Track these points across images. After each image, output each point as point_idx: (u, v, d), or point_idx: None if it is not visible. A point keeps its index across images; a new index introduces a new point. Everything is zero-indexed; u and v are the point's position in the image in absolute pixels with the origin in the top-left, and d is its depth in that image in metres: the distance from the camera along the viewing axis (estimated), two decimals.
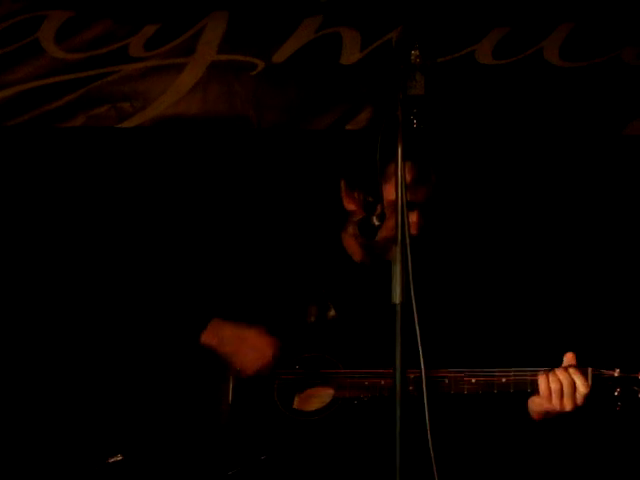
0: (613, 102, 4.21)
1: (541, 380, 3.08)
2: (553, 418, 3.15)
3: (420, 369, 2.51)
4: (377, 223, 2.82)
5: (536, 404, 3.15)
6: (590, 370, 3.08)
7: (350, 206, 3.31)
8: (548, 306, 4.14)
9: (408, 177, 2.72)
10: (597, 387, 3.07)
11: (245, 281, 3.32)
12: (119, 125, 4.13)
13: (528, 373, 3.11)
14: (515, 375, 3.11)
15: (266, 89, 4.16)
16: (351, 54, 4.16)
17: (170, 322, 3.25)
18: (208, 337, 3.23)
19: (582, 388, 3.05)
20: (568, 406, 3.06)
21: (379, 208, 2.80)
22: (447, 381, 3.10)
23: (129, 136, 4.13)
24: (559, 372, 3.07)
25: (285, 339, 3.22)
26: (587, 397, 3.06)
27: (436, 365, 3.03)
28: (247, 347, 3.20)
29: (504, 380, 3.11)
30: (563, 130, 4.24)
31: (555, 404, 3.06)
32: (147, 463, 3.20)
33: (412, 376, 2.85)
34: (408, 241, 2.53)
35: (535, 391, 3.10)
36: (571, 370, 3.07)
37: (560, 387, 3.05)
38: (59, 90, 4.07)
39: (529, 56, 4.18)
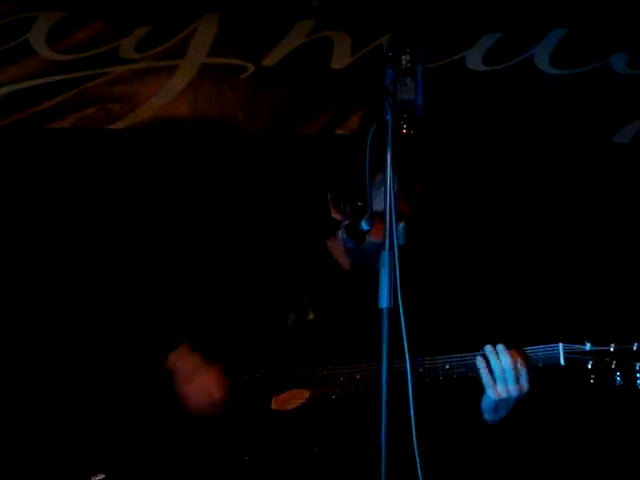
0: (602, 109, 4.23)
1: (480, 361, 3.08)
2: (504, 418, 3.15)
3: (401, 360, 2.52)
4: (365, 228, 2.83)
5: (484, 401, 3.13)
6: (561, 345, 3.09)
7: (336, 216, 3.32)
8: (518, 287, 4.19)
9: (397, 187, 2.73)
10: (569, 362, 3.07)
11: (226, 284, 3.32)
12: (109, 126, 4.13)
13: (469, 356, 3.12)
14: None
15: (256, 92, 4.16)
16: (342, 58, 4.17)
17: (147, 325, 3.26)
18: (169, 363, 3.24)
19: (524, 369, 3.04)
20: (513, 391, 3.05)
21: (367, 213, 2.80)
22: (422, 370, 3.11)
23: (119, 138, 4.13)
24: (500, 351, 3.06)
25: (262, 346, 3.23)
26: (530, 380, 3.05)
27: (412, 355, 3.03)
28: (194, 387, 3.20)
29: (447, 366, 3.12)
30: (552, 137, 4.26)
31: (500, 390, 3.06)
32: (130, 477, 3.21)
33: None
34: (396, 246, 2.54)
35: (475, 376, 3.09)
36: (512, 351, 3.06)
37: (501, 368, 3.04)
38: (49, 91, 4.07)
39: (519, 63, 4.20)
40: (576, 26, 4.17)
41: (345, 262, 3.34)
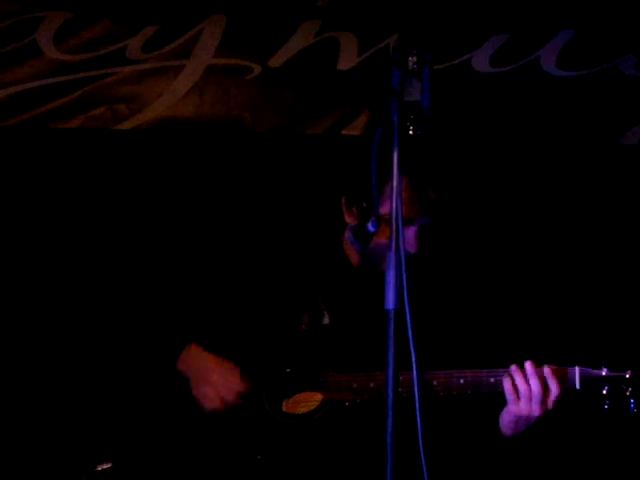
0: (609, 111, 4.22)
1: (507, 382, 3.06)
2: (523, 431, 3.13)
3: (410, 370, 2.51)
4: (372, 230, 2.82)
5: (505, 412, 3.12)
6: (578, 369, 3.08)
7: (350, 220, 3.31)
8: (536, 307, 4.17)
9: (405, 194, 2.73)
10: (585, 387, 3.07)
11: (240, 287, 3.32)
12: (115, 127, 4.13)
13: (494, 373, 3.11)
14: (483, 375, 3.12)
15: (262, 93, 4.16)
16: (348, 59, 4.16)
17: (148, 344, 3.25)
18: (180, 364, 3.24)
19: (555, 389, 3.03)
20: (537, 411, 3.04)
21: (373, 215, 2.80)
22: (436, 382, 3.10)
23: (125, 138, 4.13)
24: (530, 373, 3.04)
25: (275, 349, 3.23)
26: (558, 401, 3.04)
27: (425, 367, 3.03)
28: (210, 384, 3.20)
29: (462, 382, 3.11)
30: (559, 139, 4.25)
31: (523, 409, 3.05)
32: (137, 471, 3.20)
33: (401, 378, 2.85)
34: (402, 248, 2.53)
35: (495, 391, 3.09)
36: (546, 370, 3.05)
37: (529, 390, 3.03)
38: (56, 91, 4.07)
39: (526, 64, 4.19)
40: (583, 28, 4.17)
41: (358, 263, 3.33)
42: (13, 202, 4.09)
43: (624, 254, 4.25)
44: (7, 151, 4.08)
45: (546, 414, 3.06)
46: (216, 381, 3.20)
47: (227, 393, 3.19)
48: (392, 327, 2.52)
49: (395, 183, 2.57)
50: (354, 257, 3.34)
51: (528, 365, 3.06)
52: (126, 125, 4.13)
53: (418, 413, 2.51)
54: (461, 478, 3.31)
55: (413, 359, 2.52)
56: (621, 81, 4.20)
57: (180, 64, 4.12)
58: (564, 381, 3.05)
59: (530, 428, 3.12)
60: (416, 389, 2.52)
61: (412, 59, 2.61)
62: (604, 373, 3.09)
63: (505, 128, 4.24)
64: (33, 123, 4.07)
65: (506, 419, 3.13)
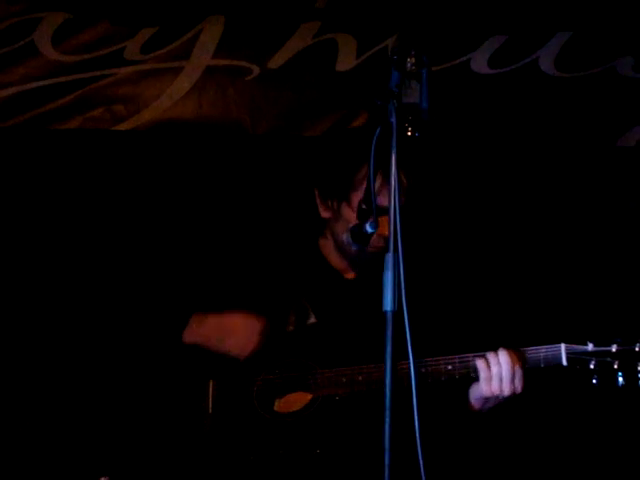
0: (607, 113, 4.23)
1: (480, 363, 3.10)
2: (490, 407, 3.19)
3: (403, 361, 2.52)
4: (370, 231, 2.83)
5: (474, 390, 3.17)
6: (563, 346, 3.09)
7: (325, 214, 3.33)
8: (522, 289, 4.20)
9: (378, 182, 2.76)
10: (571, 362, 3.08)
11: (226, 286, 3.32)
12: (114, 128, 4.13)
13: (470, 357, 3.14)
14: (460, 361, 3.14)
15: (261, 94, 4.16)
16: (347, 61, 4.16)
17: (150, 324, 3.26)
18: (191, 334, 3.24)
19: (518, 372, 3.08)
20: (506, 391, 3.09)
21: (371, 216, 2.80)
22: (424, 370, 3.12)
23: (124, 139, 4.13)
24: (501, 354, 3.09)
25: (263, 351, 3.23)
26: (523, 383, 3.09)
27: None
28: (235, 329, 3.21)
29: (450, 367, 3.13)
30: (557, 140, 4.26)
31: (494, 389, 3.09)
32: (133, 473, 3.20)
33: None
34: (400, 249, 2.54)
35: (477, 377, 3.12)
36: (511, 352, 3.09)
37: (500, 370, 3.08)
38: (54, 92, 4.07)
39: (524, 65, 4.20)
40: (581, 30, 4.17)
41: (336, 261, 3.34)
42: (12, 202, 4.09)
43: (616, 254, 4.27)
44: (6, 152, 4.08)
45: (517, 395, 3.11)
46: (238, 328, 3.20)
47: (254, 333, 3.20)
48: (390, 329, 2.52)
49: (393, 184, 2.57)
50: (334, 257, 3.35)
51: (501, 349, 3.11)
52: (124, 126, 4.13)
53: (415, 409, 2.52)
54: (451, 465, 3.32)
55: (410, 359, 2.53)
56: (619, 83, 4.20)
57: (179, 65, 4.12)
58: (525, 361, 3.10)
59: (498, 407, 3.19)
60: (414, 389, 2.53)
61: (410, 60, 2.62)
62: (590, 348, 3.09)
63: (503, 129, 4.24)
64: (31, 124, 4.07)
65: (477, 395, 3.18)
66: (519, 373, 3.09)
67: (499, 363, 3.09)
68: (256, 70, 4.15)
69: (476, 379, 3.13)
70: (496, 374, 3.09)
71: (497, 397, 3.13)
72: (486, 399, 3.17)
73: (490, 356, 3.11)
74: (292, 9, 4.12)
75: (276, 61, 4.14)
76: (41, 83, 4.06)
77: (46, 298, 3.94)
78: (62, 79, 4.07)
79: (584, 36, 4.18)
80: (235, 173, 4.16)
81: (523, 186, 4.26)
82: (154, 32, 4.08)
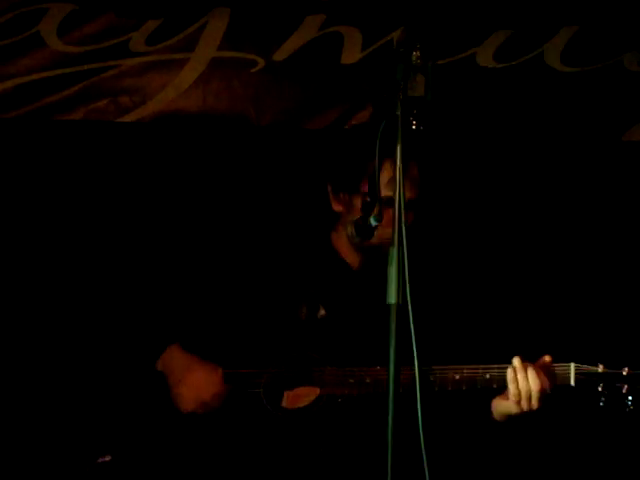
0: (613, 108, 4.22)
1: (510, 380, 3.06)
2: (515, 418, 3.15)
3: (407, 366, 2.51)
4: (374, 223, 2.82)
5: (503, 406, 3.14)
6: (573, 365, 3.07)
7: (337, 208, 3.33)
8: (535, 303, 4.16)
9: (387, 174, 2.75)
10: (579, 383, 3.06)
11: (235, 280, 3.32)
12: (118, 119, 4.13)
13: (495, 368, 3.11)
14: (489, 371, 3.12)
15: (266, 87, 4.16)
16: (352, 54, 4.16)
17: (130, 343, 3.25)
18: (160, 365, 3.23)
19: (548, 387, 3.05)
20: (535, 406, 3.06)
21: (376, 209, 2.80)
22: (432, 378, 3.10)
23: (128, 131, 4.12)
24: (530, 372, 3.05)
25: (271, 340, 3.22)
26: (545, 397, 3.05)
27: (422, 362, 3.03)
28: (187, 385, 3.18)
29: (457, 377, 3.11)
30: (562, 135, 4.25)
31: (524, 407, 3.06)
32: (137, 464, 3.20)
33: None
34: (405, 242, 2.53)
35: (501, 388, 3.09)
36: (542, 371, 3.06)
37: (529, 389, 3.04)
38: (59, 83, 4.07)
39: (530, 60, 4.19)
40: (588, 24, 4.16)
41: (351, 256, 3.34)
42: (15, 194, 4.09)
43: (623, 251, 4.25)
44: (10, 143, 4.08)
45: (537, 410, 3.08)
46: (194, 382, 3.18)
47: (205, 394, 3.17)
48: (394, 322, 2.51)
49: (398, 177, 2.57)
50: (346, 251, 3.34)
51: (530, 368, 3.06)
52: (129, 118, 4.13)
53: (419, 409, 2.51)
54: (457, 467, 3.32)
55: (415, 356, 2.52)
56: (625, 77, 4.19)
57: (184, 57, 4.12)
58: (555, 380, 3.06)
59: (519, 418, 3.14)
60: (418, 387, 2.53)
61: (416, 54, 2.61)
62: (600, 370, 3.07)
63: (509, 123, 4.23)
64: (36, 115, 4.07)
65: (501, 409, 3.14)
66: (547, 392, 3.05)
67: (528, 381, 3.04)
68: (261, 62, 4.14)
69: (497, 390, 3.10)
70: (525, 393, 3.03)
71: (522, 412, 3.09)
72: (510, 414, 3.12)
73: (519, 371, 3.05)
74: (297, 1, 4.11)
75: (281, 54, 4.14)
76: (46, 74, 4.05)
77: (45, 295, 3.95)
78: (67, 70, 4.06)
79: (590, 30, 4.17)
80: (240, 165, 4.16)
81: (528, 181, 4.25)
82: (159, 24, 4.08)
